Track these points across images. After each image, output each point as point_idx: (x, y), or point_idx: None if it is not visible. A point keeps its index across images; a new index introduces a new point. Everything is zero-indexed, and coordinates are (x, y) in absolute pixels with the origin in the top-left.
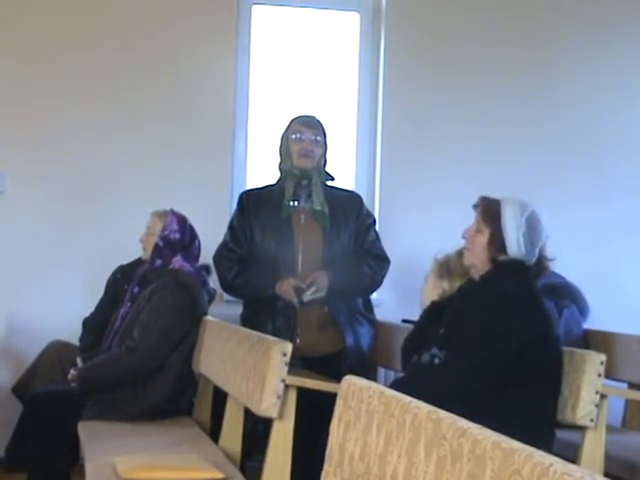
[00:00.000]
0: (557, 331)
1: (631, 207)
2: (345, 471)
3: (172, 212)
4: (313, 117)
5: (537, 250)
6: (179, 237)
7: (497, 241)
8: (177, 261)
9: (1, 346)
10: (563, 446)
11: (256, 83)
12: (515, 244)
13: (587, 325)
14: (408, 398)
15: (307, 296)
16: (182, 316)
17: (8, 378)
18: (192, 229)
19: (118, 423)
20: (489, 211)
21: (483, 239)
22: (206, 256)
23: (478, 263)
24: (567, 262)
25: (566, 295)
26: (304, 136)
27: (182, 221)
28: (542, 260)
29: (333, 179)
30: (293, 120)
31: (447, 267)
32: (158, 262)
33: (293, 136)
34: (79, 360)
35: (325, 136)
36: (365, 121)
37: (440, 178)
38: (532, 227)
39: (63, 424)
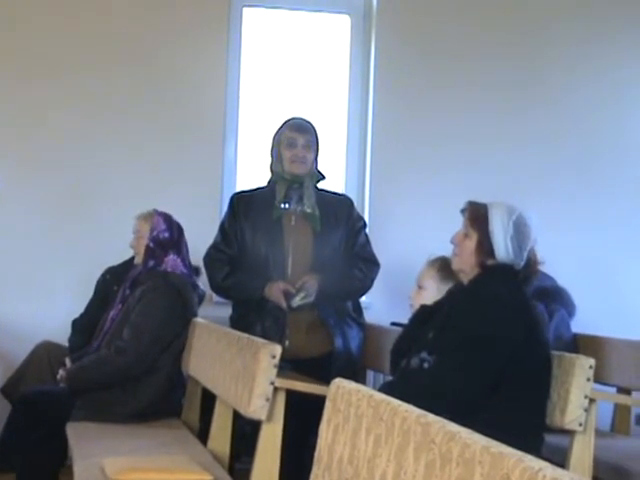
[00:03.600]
0: (546, 335)
1: (623, 209)
2: (334, 474)
3: (156, 212)
4: (305, 121)
5: (525, 254)
6: (168, 235)
7: (485, 245)
8: (170, 260)
9: None
10: (552, 450)
11: (247, 86)
12: (503, 248)
13: (578, 329)
14: (397, 402)
15: (296, 302)
16: (172, 318)
17: None
18: (178, 224)
19: (107, 424)
20: (476, 215)
21: (471, 244)
22: (196, 257)
23: (467, 268)
24: (558, 265)
25: (557, 299)
26: (296, 142)
27: (168, 219)
28: (531, 263)
29: (324, 178)
30: (285, 123)
31: (450, 269)
32: (151, 263)
33: (285, 141)
34: (68, 361)
35: (317, 139)
36: (355, 123)
37: (430, 181)
38: (520, 231)
39: (52, 425)
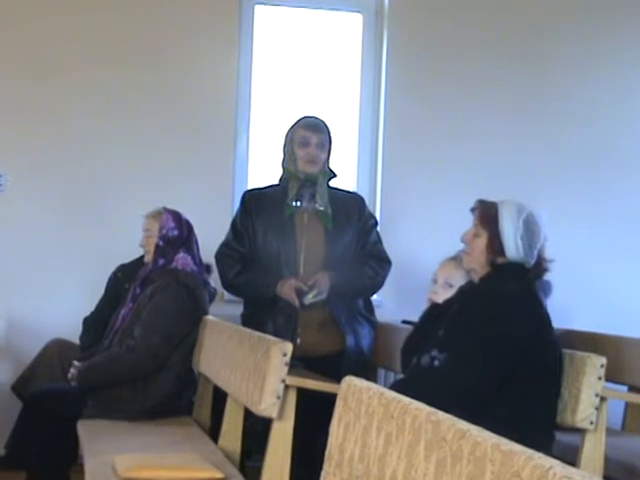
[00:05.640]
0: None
1: (625, 208)
2: (344, 472)
3: (165, 210)
4: (319, 119)
5: (536, 252)
6: (177, 233)
7: (495, 244)
8: (180, 258)
9: (1, 344)
10: (563, 449)
11: (258, 83)
12: (513, 247)
13: (580, 327)
14: (408, 399)
15: (308, 299)
16: (183, 316)
17: (8, 376)
18: (187, 222)
19: (118, 422)
20: (486, 214)
21: (481, 242)
22: (208, 255)
23: (477, 266)
24: (565, 264)
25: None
26: (310, 141)
27: (177, 217)
28: (541, 262)
29: (336, 176)
30: (298, 121)
31: None
32: (161, 261)
33: (299, 140)
34: (75, 363)
35: (330, 137)
36: (367, 122)
37: (441, 179)
38: (530, 229)
39: (63, 422)
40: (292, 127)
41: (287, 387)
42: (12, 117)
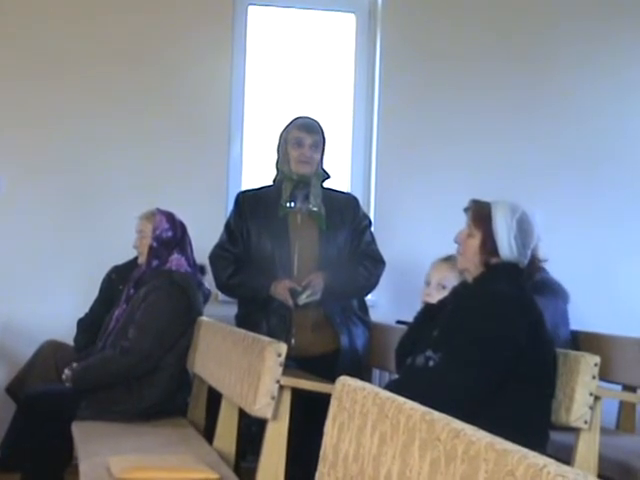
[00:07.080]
0: (550, 332)
1: (624, 208)
2: (339, 472)
3: (159, 211)
4: (313, 120)
5: (529, 252)
6: (171, 234)
7: (489, 244)
8: (174, 259)
9: None
10: (557, 448)
11: (252, 84)
12: (507, 247)
13: (580, 327)
14: (402, 399)
15: (302, 299)
16: (177, 317)
17: (2, 378)
18: (181, 223)
19: (112, 423)
20: (480, 214)
21: (475, 242)
22: (202, 256)
23: (471, 267)
24: (563, 265)
25: (547, 291)
26: (304, 141)
27: (170, 218)
28: (534, 261)
29: (329, 177)
30: (292, 122)
31: None
32: (155, 263)
33: (292, 140)
34: (74, 364)
35: (324, 138)
36: (361, 122)
37: (435, 180)
38: (523, 229)
39: (57, 424)
40: (286, 128)
41: (282, 388)
42: (9, 118)
